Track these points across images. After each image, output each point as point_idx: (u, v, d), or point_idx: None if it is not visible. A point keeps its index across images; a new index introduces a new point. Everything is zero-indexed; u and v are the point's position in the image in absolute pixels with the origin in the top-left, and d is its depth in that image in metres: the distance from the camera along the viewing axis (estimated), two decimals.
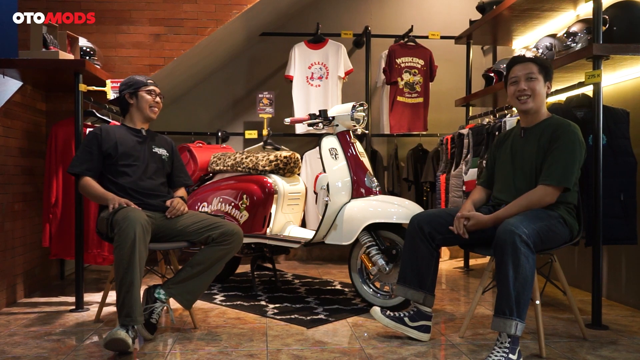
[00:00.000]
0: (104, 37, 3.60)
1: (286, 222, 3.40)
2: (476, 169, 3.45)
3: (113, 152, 2.56)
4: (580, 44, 2.77)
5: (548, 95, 2.39)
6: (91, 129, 2.74)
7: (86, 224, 3.10)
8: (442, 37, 4.70)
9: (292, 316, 2.78)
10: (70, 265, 3.81)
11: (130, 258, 2.18)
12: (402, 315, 2.41)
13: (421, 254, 2.38)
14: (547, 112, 2.38)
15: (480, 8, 3.83)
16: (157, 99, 2.72)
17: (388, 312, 2.43)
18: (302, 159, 4.03)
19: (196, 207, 3.47)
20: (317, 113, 3.08)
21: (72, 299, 3.04)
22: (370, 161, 3.53)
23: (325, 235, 2.97)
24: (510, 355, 2.01)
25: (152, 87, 2.70)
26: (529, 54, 3.12)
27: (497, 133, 3.32)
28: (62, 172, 3.21)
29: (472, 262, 4.39)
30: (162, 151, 2.73)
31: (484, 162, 3.20)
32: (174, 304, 2.73)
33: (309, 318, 2.75)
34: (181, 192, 2.79)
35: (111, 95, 3.07)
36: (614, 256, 3.10)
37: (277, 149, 3.75)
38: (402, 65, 4.62)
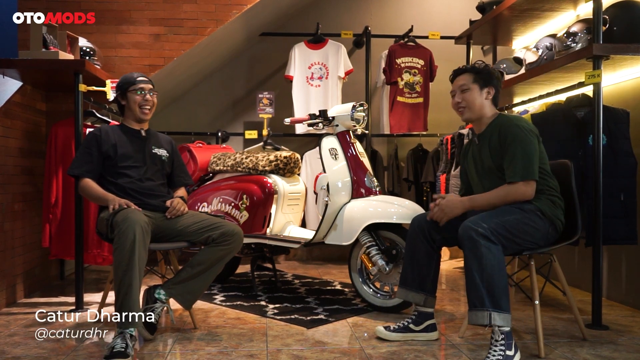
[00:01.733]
0: (104, 37, 3.60)
1: (286, 222, 3.40)
2: None
3: (112, 153, 2.55)
4: (580, 44, 2.77)
5: (497, 99, 2.37)
6: (91, 129, 2.72)
7: (86, 224, 3.10)
8: (442, 37, 4.69)
9: (292, 316, 2.78)
10: (70, 265, 3.81)
11: (129, 260, 2.17)
12: (406, 323, 2.41)
13: (422, 255, 2.39)
14: (495, 113, 2.37)
15: (480, 8, 3.83)
16: (147, 96, 2.61)
17: (391, 326, 2.43)
18: (302, 159, 4.03)
19: (196, 207, 3.47)
20: (317, 113, 3.08)
21: (72, 299, 3.04)
22: (370, 161, 3.53)
23: (325, 235, 2.97)
24: (507, 352, 2.01)
25: (140, 86, 2.60)
26: (528, 54, 3.13)
27: None
28: (62, 172, 3.21)
29: None
30: (161, 152, 2.71)
31: None
32: (174, 304, 2.72)
33: (309, 318, 2.75)
34: (181, 192, 2.78)
35: (111, 95, 3.07)
36: (614, 256, 3.10)
37: (277, 149, 3.75)
38: (402, 65, 4.62)
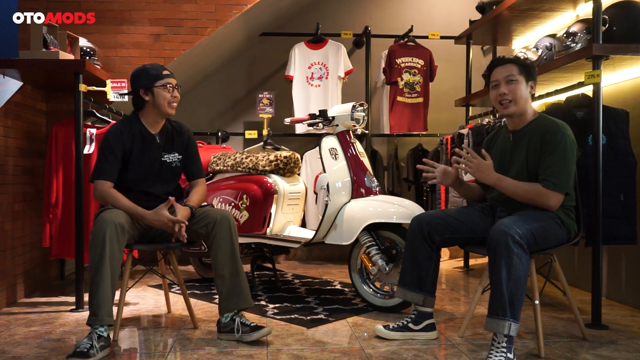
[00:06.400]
0: (104, 37, 3.60)
1: (286, 222, 3.40)
2: None
3: (126, 163, 2.44)
4: (580, 44, 2.77)
5: (533, 95, 2.33)
6: (110, 128, 2.50)
7: (86, 224, 3.10)
8: (442, 37, 4.70)
9: (292, 316, 2.78)
10: (70, 265, 3.81)
11: (100, 257, 2.15)
12: (405, 322, 2.41)
13: (421, 255, 2.38)
14: (534, 111, 2.33)
15: (480, 8, 3.84)
16: (175, 92, 2.49)
17: (391, 325, 2.43)
18: (302, 159, 4.04)
19: None
20: (317, 113, 3.08)
21: (72, 299, 3.04)
22: (370, 161, 3.53)
23: (325, 235, 2.97)
24: (509, 355, 2.02)
25: (167, 80, 2.47)
26: (529, 54, 3.13)
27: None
28: (62, 172, 3.21)
29: (472, 262, 4.39)
30: (172, 157, 2.54)
31: None
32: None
33: (309, 318, 2.75)
34: (199, 189, 2.59)
35: (111, 95, 3.07)
36: (614, 256, 3.10)
37: (277, 149, 3.76)
38: (402, 65, 4.62)
